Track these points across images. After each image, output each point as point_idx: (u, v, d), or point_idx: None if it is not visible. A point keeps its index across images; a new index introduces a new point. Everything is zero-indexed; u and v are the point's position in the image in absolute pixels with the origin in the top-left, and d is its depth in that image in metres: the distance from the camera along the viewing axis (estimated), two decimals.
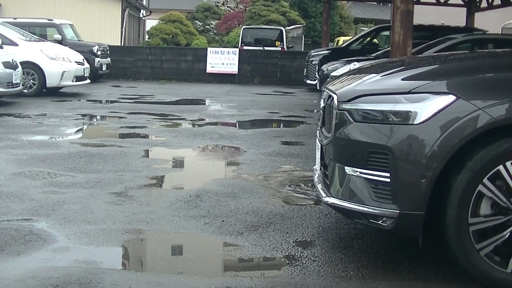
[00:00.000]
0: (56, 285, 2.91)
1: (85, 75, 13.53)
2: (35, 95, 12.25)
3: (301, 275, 3.11)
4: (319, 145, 3.68)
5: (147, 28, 28.64)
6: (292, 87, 18.11)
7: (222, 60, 19.08)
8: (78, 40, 16.88)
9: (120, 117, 9.58)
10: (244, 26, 23.03)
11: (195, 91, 15.52)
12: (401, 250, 3.59)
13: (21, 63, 11.29)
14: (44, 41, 14.07)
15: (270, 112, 11.03)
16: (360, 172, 3.06)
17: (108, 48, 17.92)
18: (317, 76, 14.82)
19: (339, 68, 11.44)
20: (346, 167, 3.14)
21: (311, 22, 29.13)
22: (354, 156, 3.12)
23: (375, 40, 16.97)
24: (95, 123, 9.61)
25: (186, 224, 3.97)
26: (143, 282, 2.99)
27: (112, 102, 12.17)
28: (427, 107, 2.92)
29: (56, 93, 12.99)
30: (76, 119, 9.26)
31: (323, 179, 3.57)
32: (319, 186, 3.57)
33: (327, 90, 3.67)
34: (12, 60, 10.81)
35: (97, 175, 5.31)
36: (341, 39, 24.51)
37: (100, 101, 12.30)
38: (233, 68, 19.09)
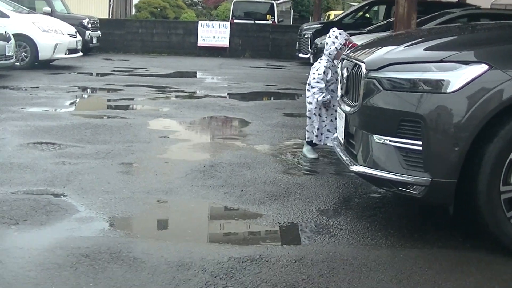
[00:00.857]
0: (86, 254, 2.88)
1: (78, 47, 13.29)
2: (27, 68, 12.00)
3: (331, 243, 3.11)
4: (343, 114, 3.66)
5: (135, 1, 28.23)
6: (283, 60, 18.01)
7: (213, 33, 18.89)
8: (68, 13, 16.52)
9: (118, 89, 9.46)
10: (234, 0, 22.77)
11: (188, 64, 15.37)
12: (424, 219, 3.60)
13: (13, 35, 10.91)
14: (35, 13, 13.72)
15: (267, 85, 10.96)
16: (390, 140, 3.06)
17: (98, 21, 17.63)
18: (310, 49, 14.74)
19: None
20: (374, 135, 3.13)
21: None
22: (383, 124, 3.10)
23: (367, 14, 16.90)
24: (93, 95, 9.49)
25: (205, 193, 3.95)
26: (174, 250, 2.97)
27: (106, 75, 12.00)
28: (460, 76, 2.91)
29: (48, 66, 12.77)
30: (73, 91, 9.13)
31: (347, 147, 3.57)
32: (343, 155, 3.57)
33: (350, 59, 3.64)
34: (5, 32, 10.52)
35: (106, 146, 5.26)
36: (332, 13, 24.40)
37: (94, 74, 12.14)
38: (224, 42, 18.91)
